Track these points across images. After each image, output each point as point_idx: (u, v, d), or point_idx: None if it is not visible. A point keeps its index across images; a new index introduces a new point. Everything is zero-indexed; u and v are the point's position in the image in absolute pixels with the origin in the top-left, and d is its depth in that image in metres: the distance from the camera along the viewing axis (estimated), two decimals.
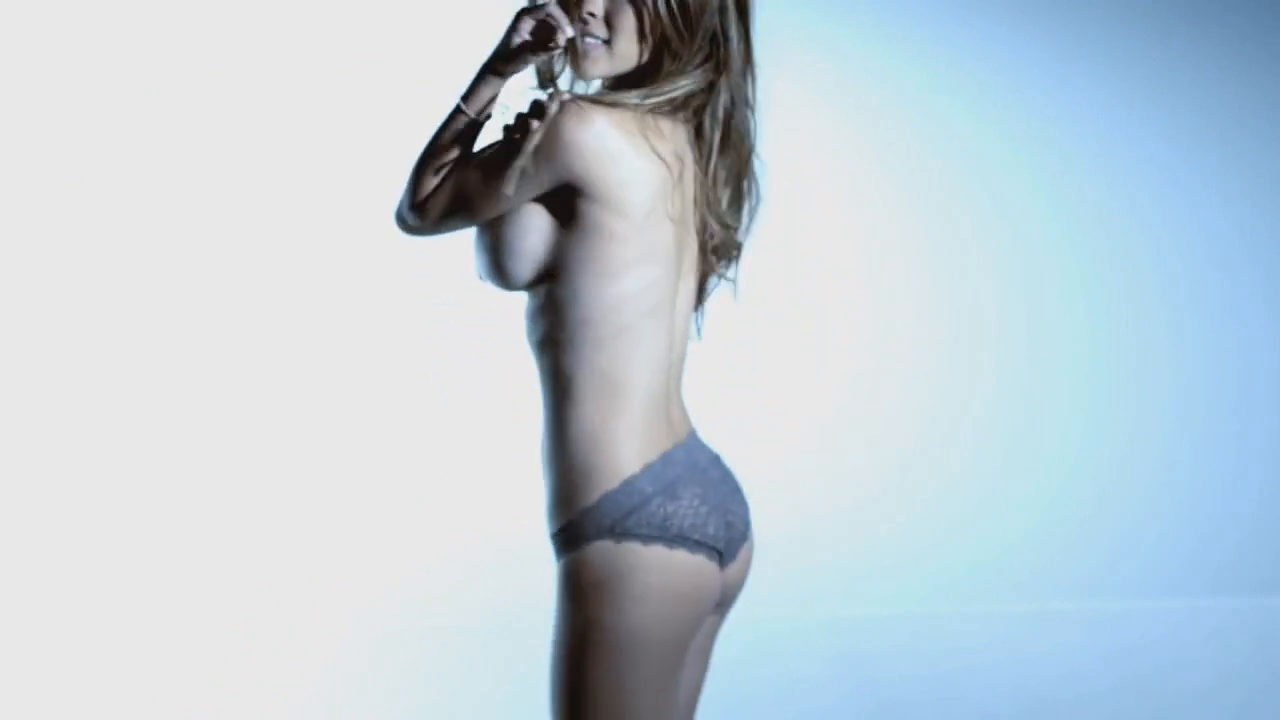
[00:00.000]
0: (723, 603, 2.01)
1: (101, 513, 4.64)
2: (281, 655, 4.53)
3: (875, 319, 5.18)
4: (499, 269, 1.94)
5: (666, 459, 1.90)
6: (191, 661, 4.45)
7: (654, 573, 1.86)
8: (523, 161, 1.86)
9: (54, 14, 4.63)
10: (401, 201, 2.03)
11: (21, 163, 4.63)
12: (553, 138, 1.85)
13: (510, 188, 1.87)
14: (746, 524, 2.00)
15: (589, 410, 1.90)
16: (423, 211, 1.98)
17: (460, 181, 1.95)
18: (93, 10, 4.65)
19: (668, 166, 1.88)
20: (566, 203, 1.88)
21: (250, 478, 4.72)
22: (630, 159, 1.86)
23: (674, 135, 1.92)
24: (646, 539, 1.87)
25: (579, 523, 1.89)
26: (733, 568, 1.98)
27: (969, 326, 5.23)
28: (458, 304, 4.45)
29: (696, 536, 1.89)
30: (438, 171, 1.97)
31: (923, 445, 5.17)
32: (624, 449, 1.89)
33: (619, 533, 1.87)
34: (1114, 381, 5.30)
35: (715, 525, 1.92)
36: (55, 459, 4.63)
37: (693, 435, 1.98)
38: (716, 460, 2.00)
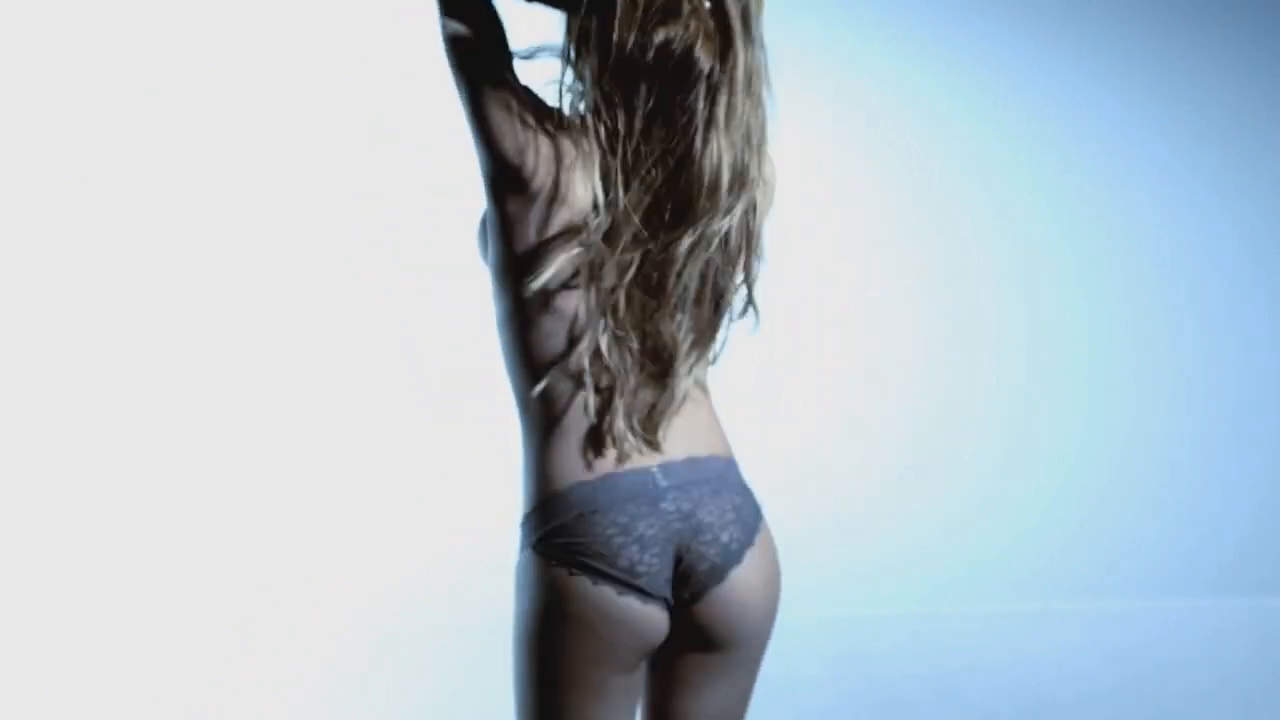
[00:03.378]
0: (704, 643, 1.93)
1: (101, 513, 4.64)
2: (281, 655, 4.53)
3: (875, 319, 5.18)
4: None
5: (605, 482, 1.87)
6: (191, 661, 4.45)
7: (555, 594, 1.86)
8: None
9: (54, 14, 4.63)
10: None
11: (22, 163, 4.63)
12: None
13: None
14: (714, 565, 1.90)
15: (530, 419, 1.91)
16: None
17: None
18: (93, 10, 4.65)
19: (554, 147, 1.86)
20: None
21: (250, 478, 4.72)
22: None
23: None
24: (553, 560, 1.86)
25: (520, 528, 1.92)
26: (705, 608, 1.91)
27: (969, 326, 5.23)
28: (458, 306, 4.45)
29: (600, 566, 1.85)
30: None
31: (923, 445, 5.17)
32: (557, 464, 1.88)
33: (536, 548, 1.88)
34: (1114, 381, 5.30)
35: (634, 558, 1.86)
36: (55, 459, 4.63)
37: (674, 462, 1.90)
38: (702, 490, 1.91)
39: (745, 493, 1.96)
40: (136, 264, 4.69)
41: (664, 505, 1.89)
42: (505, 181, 1.87)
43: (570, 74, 1.87)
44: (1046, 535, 5.19)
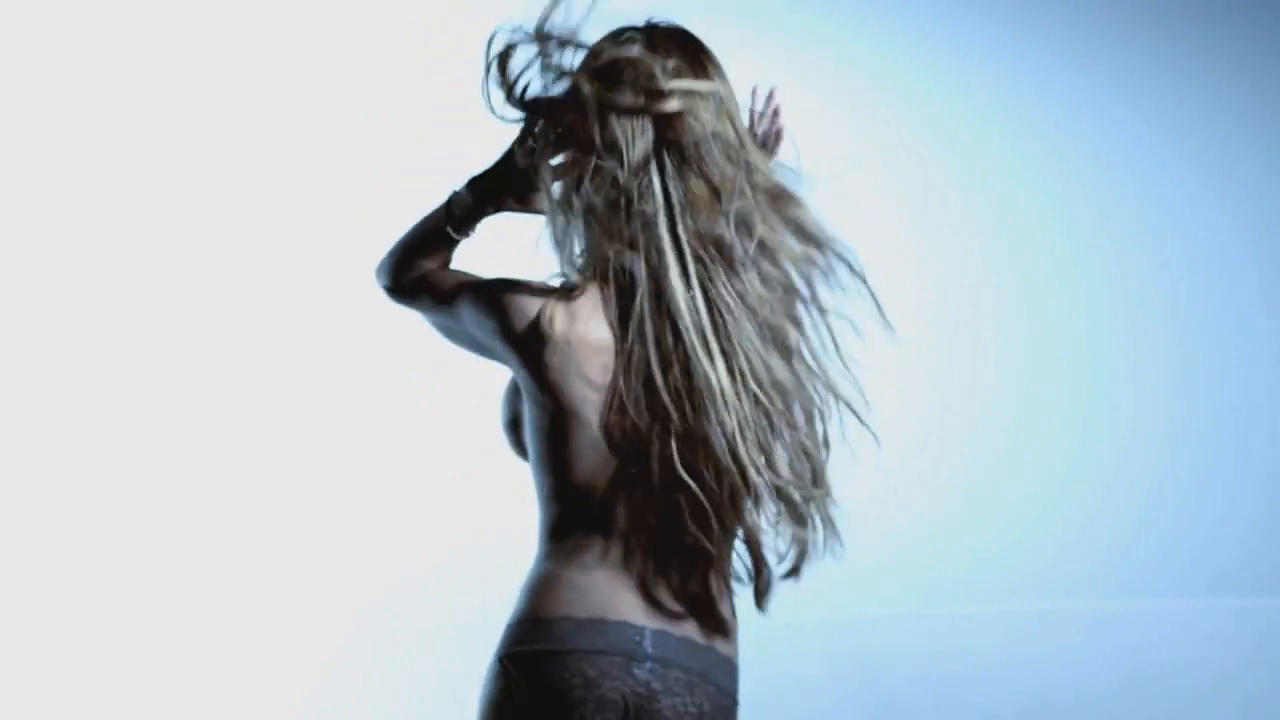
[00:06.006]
0: None
1: (101, 513, 4.64)
2: (282, 655, 4.52)
3: (875, 319, 5.16)
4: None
5: (592, 625, 1.82)
6: (192, 661, 4.45)
7: (498, 712, 1.85)
8: None
9: (54, 14, 4.63)
10: (384, 267, 2.04)
11: (21, 163, 4.62)
12: None
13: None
14: None
15: (546, 530, 1.88)
16: (404, 291, 2.02)
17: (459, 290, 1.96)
18: (93, 10, 4.64)
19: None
20: None
21: (250, 479, 4.72)
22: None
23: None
24: (512, 684, 1.84)
25: (503, 633, 1.88)
26: None
27: (969, 327, 5.23)
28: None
29: (552, 715, 1.81)
30: (422, 256, 1.99)
31: (923, 445, 5.17)
32: (555, 587, 1.84)
33: (505, 662, 1.85)
34: (1114, 382, 5.29)
35: (586, 717, 1.82)
36: (55, 459, 4.62)
37: (668, 634, 1.84)
38: (679, 677, 1.84)
39: (721, 697, 1.88)
40: (138, 266, 4.69)
41: (637, 672, 1.83)
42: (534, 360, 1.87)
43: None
44: (1046, 535, 5.18)
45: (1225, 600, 5.11)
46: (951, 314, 5.22)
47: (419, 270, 1.99)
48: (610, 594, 1.83)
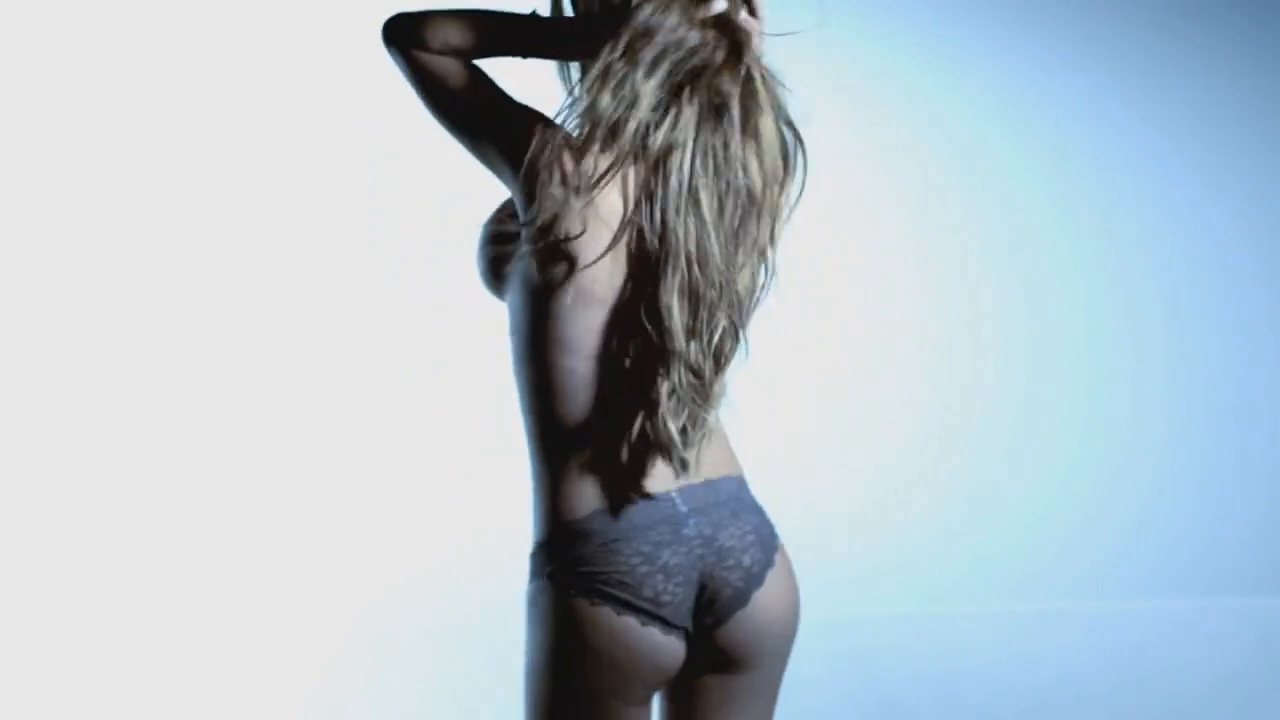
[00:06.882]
0: (725, 667, 1.91)
1: (101, 513, 4.64)
2: (282, 655, 4.53)
3: (875, 319, 5.17)
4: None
5: (625, 509, 1.83)
6: (192, 661, 4.45)
7: (575, 625, 1.81)
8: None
9: (54, 14, 4.63)
10: (412, 22, 1.92)
11: (21, 163, 4.63)
12: None
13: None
14: (738, 590, 1.89)
15: (539, 447, 1.87)
16: (427, 46, 1.91)
17: (478, 92, 1.90)
18: (93, 10, 4.65)
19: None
20: None
21: (250, 479, 4.72)
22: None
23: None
24: (572, 590, 1.81)
25: (531, 558, 1.87)
26: (727, 633, 1.89)
27: (969, 327, 5.23)
28: (458, 305, 4.44)
29: (624, 596, 1.81)
30: (461, 38, 1.90)
31: (923, 445, 5.17)
32: (573, 491, 1.84)
33: (553, 577, 1.83)
34: (1113, 382, 5.30)
35: (659, 588, 1.82)
36: (55, 460, 4.62)
37: (692, 486, 1.87)
38: (721, 513, 1.88)
39: (760, 512, 1.94)
40: (137, 265, 4.69)
41: (686, 531, 1.85)
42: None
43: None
44: (1046, 535, 5.19)
45: (1225, 600, 5.11)
46: (951, 314, 5.22)
47: (451, 57, 1.91)
48: (625, 472, 1.84)
